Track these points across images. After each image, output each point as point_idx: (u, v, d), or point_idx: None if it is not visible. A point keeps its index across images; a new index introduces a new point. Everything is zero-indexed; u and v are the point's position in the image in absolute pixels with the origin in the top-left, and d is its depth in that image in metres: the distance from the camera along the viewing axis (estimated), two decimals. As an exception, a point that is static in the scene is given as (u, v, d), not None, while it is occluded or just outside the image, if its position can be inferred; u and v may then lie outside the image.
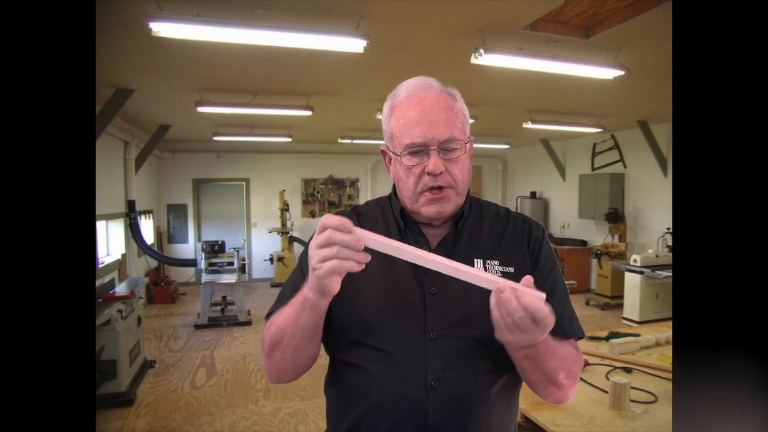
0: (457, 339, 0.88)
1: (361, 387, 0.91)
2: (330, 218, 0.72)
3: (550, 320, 0.72)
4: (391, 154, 0.93)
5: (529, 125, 5.90)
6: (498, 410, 0.92)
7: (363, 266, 0.73)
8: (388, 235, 0.94)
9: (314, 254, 0.73)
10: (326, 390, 1.01)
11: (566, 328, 0.92)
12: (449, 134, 0.86)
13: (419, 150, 0.87)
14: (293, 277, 0.97)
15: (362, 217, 1.00)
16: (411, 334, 0.88)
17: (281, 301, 0.92)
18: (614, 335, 2.52)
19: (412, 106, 0.88)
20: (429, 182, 0.87)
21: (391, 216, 0.98)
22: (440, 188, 0.88)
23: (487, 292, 0.91)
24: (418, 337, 0.88)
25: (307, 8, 2.74)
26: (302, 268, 0.94)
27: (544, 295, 0.72)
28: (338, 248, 0.71)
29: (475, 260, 0.92)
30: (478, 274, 0.76)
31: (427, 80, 0.91)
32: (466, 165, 0.91)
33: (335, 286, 0.74)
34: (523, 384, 1.01)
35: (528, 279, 0.73)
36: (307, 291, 0.78)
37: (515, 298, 0.71)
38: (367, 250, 0.73)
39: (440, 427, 0.86)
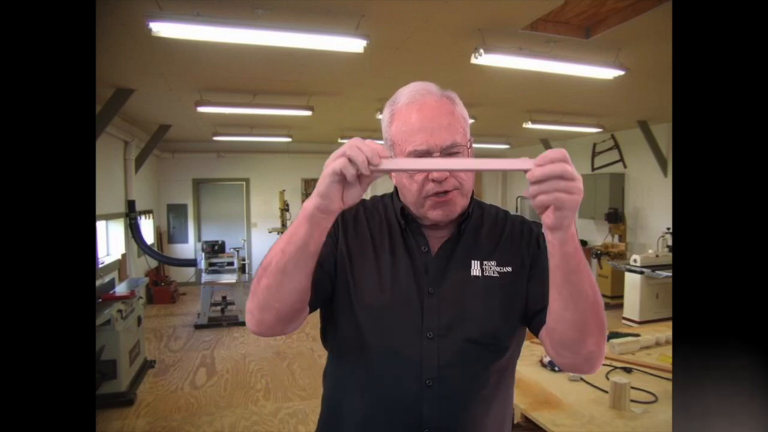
0: (454, 339, 0.88)
1: (357, 383, 0.92)
2: (360, 142, 0.73)
3: (566, 154, 0.69)
4: None
5: (529, 125, 5.90)
6: (493, 410, 0.93)
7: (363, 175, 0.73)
8: (390, 234, 0.95)
9: (333, 155, 0.73)
10: (324, 383, 1.03)
11: None
12: (452, 140, 0.86)
13: (422, 157, 0.86)
14: None
15: (367, 210, 1.00)
16: (408, 333, 0.89)
17: None
18: (614, 335, 2.52)
19: (412, 112, 0.88)
20: (433, 188, 0.87)
21: (392, 214, 0.98)
22: (445, 192, 0.87)
23: (483, 293, 0.92)
24: (414, 336, 0.88)
25: (307, 8, 2.74)
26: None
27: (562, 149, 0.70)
28: (357, 150, 0.71)
29: (473, 261, 0.92)
30: (495, 162, 0.75)
31: (426, 85, 0.91)
32: None
33: (335, 198, 0.74)
34: (522, 384, 1.01)
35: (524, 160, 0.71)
36: (307, 202, 0.77)
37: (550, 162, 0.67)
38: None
39: (434, 426, 0.87)
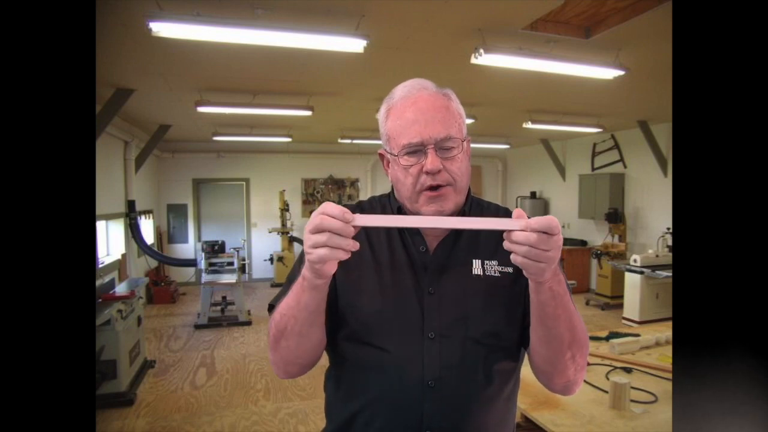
0: (455, 339, 0.88)
1: (358, 384, 0.92)
2: (328, 205, 0.73)
3: (557, 224, 0.71)
4: (388, 156, 0.93)
5: (529, 125, 5.90)
6: (495, 410, 0.92)
7: (349, 254, 0.73)
8: (387, 234, 0.95)
9: (307, 239, 0.73)
10: (325, 385, 1.03)
11: None
12: (446, 133, 0.87)
13: (416, 150, 0.87)
14: (294, 268, 0.98)
15: (365, 212, 1.00)
16: (409, 333, 0.88)
17: (284, 291, 0.93)
18: (614, 335, 2.53)
19: (407, 107, 0.89)
20: (427, 181, 0.87)
21: (390, 214, 0.98)
22: (438, 187, 0.88)
23: (485, 293, 0.92)
24: (416, 336, 0.88)
25: (307, 8, 2.74)
26: (303, 259, 0.96)
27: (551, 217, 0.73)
28: (329, 235, 0.71)
29: (474, 260, 0.92)
30: (481, 220, 0.77)
31: (421, 81, 0.92)
32: (465, 163, 0.91)
33: (329, 270, 0.75)
34: (522, 384, 1.01)
35: (518, 211, 0.73)
36: (305, 271, 0.79)
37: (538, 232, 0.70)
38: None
39: (435, 427, 0.87)
